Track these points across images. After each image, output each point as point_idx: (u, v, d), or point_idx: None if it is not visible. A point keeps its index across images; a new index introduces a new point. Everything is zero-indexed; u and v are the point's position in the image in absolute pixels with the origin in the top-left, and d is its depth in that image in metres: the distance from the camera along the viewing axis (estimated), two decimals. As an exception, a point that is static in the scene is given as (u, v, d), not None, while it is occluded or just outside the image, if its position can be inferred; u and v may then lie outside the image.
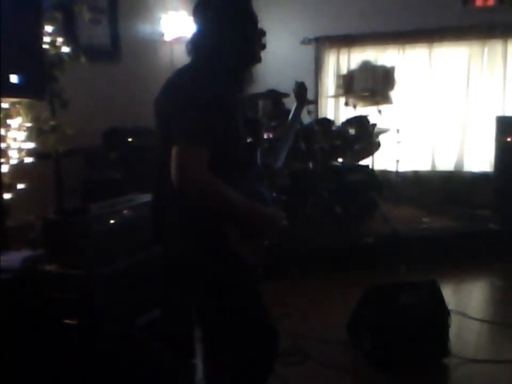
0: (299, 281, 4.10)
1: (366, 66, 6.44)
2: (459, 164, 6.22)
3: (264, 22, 6.84)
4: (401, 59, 6.38)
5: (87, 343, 2.37)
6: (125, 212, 2.69)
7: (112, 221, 2.60)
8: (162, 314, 2.75)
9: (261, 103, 5.61)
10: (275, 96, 5.30)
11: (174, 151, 1.59)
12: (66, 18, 4.07)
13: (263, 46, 1.92)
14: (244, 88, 1.92)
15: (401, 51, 6.38)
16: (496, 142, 5.45)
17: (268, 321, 1.88)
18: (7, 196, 3.28)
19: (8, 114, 3.39)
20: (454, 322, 3.02)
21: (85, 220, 2.48)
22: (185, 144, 1.59)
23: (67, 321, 2.37)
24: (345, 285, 3.95)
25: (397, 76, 6.33)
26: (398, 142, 5.66)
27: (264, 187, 1.90)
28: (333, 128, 5.33)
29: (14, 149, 3.47)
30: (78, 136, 3.82)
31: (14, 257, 2.58)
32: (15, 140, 3.47)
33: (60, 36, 3.79)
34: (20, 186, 3.44)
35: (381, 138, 5.46)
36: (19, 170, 3.47)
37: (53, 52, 3.67)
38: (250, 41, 1.84)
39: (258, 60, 1.90)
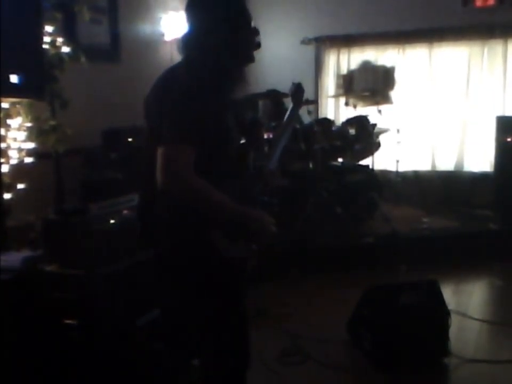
0: (299, 281, 4.10)
1: (366, 66, 6.44)
2: (459, 164, 6.21)
3: (264, 22, 6.89)
4: (401, 59, 6.37)
5: (87, 343, 2.37)
6: (125, 212, 2.69)
7: (112, 221, 2.61)
8: (162, 314, 2.75)
9: (261, 103, 5.60)
10: (275, 96, 5.30)
11: (159, 150, 1.56)
12: (66, 18, 4.06)
13: (258, 45, 1.86)
14: (237, 89, 1.86)
15: (401, 51, 6.38)
16: (496, 142, 5.46)
17: (243, 334, 1.86)
18: (7, 195, 3.28)
19: (8, 114, 3.39)
20: (454, 322, 3.02)
21: (85, 220, 2.49)
22: (171, 143, 1.56)
23: (67, 321, 2.37)
24: (345, 285, 3.95)
25: (397, 75, 6.33)
26: (398, 142, 5.66)
27: (256, 189, 1.87)
28: (333, 128, 5.33)
29: (14, 149, 3.47)
30: (78, 136, 3.82)
31: (14, 258, 2.58)
32: (15, 139, 3.47)
33: (60, 36, 3.78)
34: (20, 186, 3.44)
35: (381, 138, 5.46)
36: (19, 170, 3.47)
37: (53, 51, 3.67)
38: (243, 40, 1.79)
39: (251, 59, 1.84)
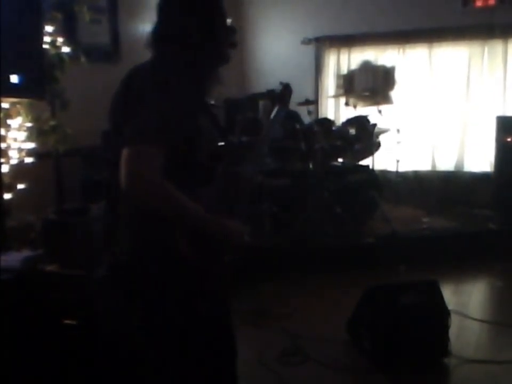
0: (299, 281, 4.10)
1: (366, 66, 6.43)
2: (459, 164, 6.21)
3: (265, 22, 6.89)
4: (402, 59, 6.37)
5: (87, 343, 2.37)
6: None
7: (112, 221, 2.60)
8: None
9: (261, 103, 5.61)
10: (275, 96, 5.29)
11: (124, 151, 1.42)
12: (67, 18, 4.06)
13: (233, 45, 1.75)
14: (211, 90, 1.73)
15: (401, 51, 6.38)
16: (496, 142, 5.45)
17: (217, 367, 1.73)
18: (7, 196, 3.28)
19: (8, 114, 3.39)
20: (454, 322, 3.02)
21: (85, 220, 2.49)
22: (137, 144, 1.42)
23: (67, 321, 2.37)
24: (345, 285, 3.95)
25: (397, 76, 6.33)
26: (398, 142, 5.65)
27: (230, 197, 1.75)
28: (333, 128, 5.33)
29: (14, 149, 3.47)
30: (78, 136, 3.82)
31: (14, 258, 2.58)
32: (15, 140, 3.47)
33: (60, 36, 3.78)
34: (20, 186, 3.44)
35: (381, 138, 5.46)
36: (19, 171, 3.47)
37: (53, 52, 3.67)
38: (217, 39, 1.68)
39: (226, 59, 1.73)
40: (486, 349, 3.14)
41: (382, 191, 5.24)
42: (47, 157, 3.81)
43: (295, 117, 5.26)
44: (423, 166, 6.31)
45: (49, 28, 3.66)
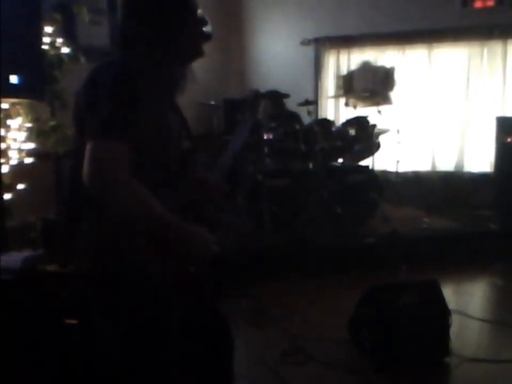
0: (299, 281, 4.10)
1: (366, 67, 6.44)
2: (459, 164, 6.22)
3: (264, 23, 6.89)
4: (401, 60, 6.38)
5: (87, 343, 2.36)
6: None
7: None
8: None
9: (260, 103, 5.61)
10: (275, 97, 5.30)
11: (88, 146, 1.34)
12: (66, 19, 4.06)
13: (207, 37, 1.66)
14: (182, 87, 1.63)
15: (401, 52, 6.39)
16: (496, 143, 5.45)
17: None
18: (7, 196, 3.28)
19: (8, 114, 3.39)
20: (455, 322, 3.01)
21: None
22: (102, 138, 1.35)
23: (67, 321, 2.37)
24: (345, 285, 3.95)
25: (397, 76, 6.34)
26: (398, 143, 5.66)
27: (198, 203, 1.66)
28: (333, 128, 5.33)
29: (14, 149, 3.47)
30: (77, 137, 3.82)
31: (14, 258, 2.58)
32: (15, 140, 3.47)
33: (59, 36, 3.79)
34: (20, 186, 3.44)
35: (381, 138, 5.46)
36: (19, 171, 3.47)
37: (52, 52, 3.67)
38: (188, 34, 1.59)
39: (199, 53, 1.65)
40: (486, 349, 3.13)
41: (382, 192, 5.24)
42: (47, 157, 3.81)
43: (293, 117, 5.26)
44: (423, 166, 6.32)
45: (48, 29, 3.67)
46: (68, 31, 4.15)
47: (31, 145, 3.56)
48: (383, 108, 5.51)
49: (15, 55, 2.94)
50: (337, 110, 6.57)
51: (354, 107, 5.51)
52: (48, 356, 2.31)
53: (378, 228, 4.90)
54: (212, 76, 6.07)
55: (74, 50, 3.85)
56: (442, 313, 2.94)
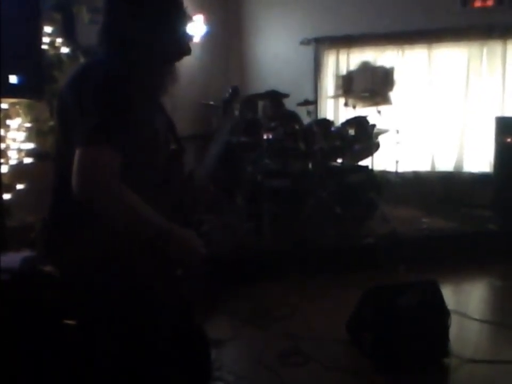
0: (299, 281, 4.10)
1: (366, 67, 6.45)
2: (458, 164, 6.22)
3: (264, 23, 6.89)
4: (401, 60, 6.39)
5: (87, 344, 2.36)
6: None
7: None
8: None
9: (260, 103, 5.61)
10: (274, 97, 5.30)
11: (78, 152, 1.31)
12: (66, 19, 4.06)
13: (189, 38, 1.63)
14: (167, 87, 1.60)
15: (400, 52, 6.39)
16: (495, 143, 5.46)
17: None
18: (6, 196, 3.27)
19: (7, 114, 3.38)
20: (454, 323, 3.01)
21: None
22: (92, 144, 1.31)
23: (67, 321, 2.37)
24: (345, 285, 3.95)
25: (396, 76, 6.34)
26: (398, 143, 5.66)
27: (184, 205, 1.64)
28: (333, 128, 5.34)
29: (13, 149, 3.46)
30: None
31: (13, 258, 2.57)
32: (14, 140, 3.47)
33: (59, 36, 3.78)
34: (20, 186, 3.43)
35: (381, 138, 5.47)
36: (19, 171, 3.46)
37: (52, 52, 3.67)
38: (175, 29, 1.56)
39: (187, 51, 1.60)
40: (486, 349, 3.13)
41: (382, 192, 5.24)
42: (47, 157, 3.80)
43: (293, 117, 5.26)
44: (423, 166, 6.32)
45: (48, 29, 3.66)
46: (67, 31, 4.15)
47: (30, 145, 3.56)
48: (382, 108, 5.52)
49: (15, 55, 2.93)
50: (336, 110, 6.57)
51: (354, 107, 5.52)
52: (48, 357, 2.30)
53: (377, 228, 4.90)
54: (212, 76, 6.07)
55: (73, 50, 3.84)
56: (441, 313, 2.93)
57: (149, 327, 1.52)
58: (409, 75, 6.36)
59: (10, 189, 3.32)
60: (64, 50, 3.77)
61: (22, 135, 3.51)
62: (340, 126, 5.47)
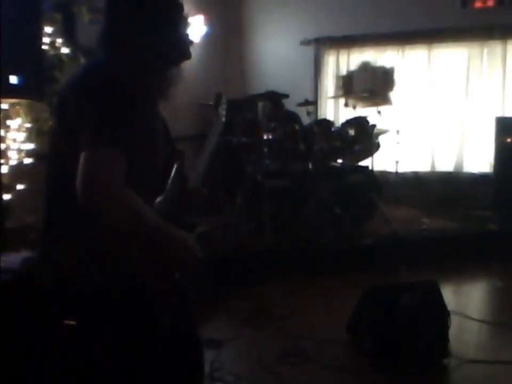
0: (299, 281, 4.10)
1: (366, 67, 6.44)
2: (459, 164, 6.22)
3: (264, 23, 6.90)
4: (401, 60, 6.38)
5: (87, 344, 2.36)
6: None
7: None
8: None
9: (260, 104, 5.61)
10: (274, 97, 5.30)
11: (82, 155, 1.31)
12: (66, 19, 4.06)
13: (190, 43, 1.61)
14: (167, 91, 1.59)
15: (400, 52, 6.39)
16: (495, 143, 5.46)
17: None
18: (6, 196, 3.27)
19: (7, 115, 3.38)
20: (454, 323, 3.01)
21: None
22: (97, 146, 1.31)
23: (67, 322, 2.37)
24: (345, 285, 3.95)
25: (397, 77, 6.34)
26: (398, 143, 5.66)
27: (179, 208, 1.64)
28: (333, 129, 5.33)
29: (13, 149, 3.46)
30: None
31: (13, 258, 2.57)
32: (14, 140, 3.46)
33: (59, 37, 3.78)
34: (20, 187, 3.43)
35: (381, 139, 5.46)
36: (19, 171, 3.46)
37: (52, 52, 3.67)
38: (176, 35, 1.56)
39: (187, 56, 1.60)
40: (485, 349, 3.13)
41: (382, 192, 5.24)
42: (47, 158, 3.81)
43: (293, 117, 5.27)
44: (423, 166, 6.32)
45: (48, 29, 3.66)
46: (67, 31, 4.15)
47: (30, 146, 3.56)
48: (382, 108, 5.52)
49: (15, 55, 2.94)
50: (336, 110, 6.57)
51: (354, 107, 5.52)
52: (48, 357, 2.31)
53: (377, 229, 4.90)
54: (212, 76, 6.07)
55: (74, 50, 3.84)
56: (441, 314, 2.94)
57: (147, 328, 1.52)
58: (410, 75, 6.35)
59: (10, 189, 3.32)
60: (65, 50, 3.77)
61: (22, 136, 3.51)
62: (340, 126, 5.47)
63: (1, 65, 2.70)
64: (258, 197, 4.67)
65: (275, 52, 6.72)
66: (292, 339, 3.19)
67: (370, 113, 5.47)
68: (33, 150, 3.59)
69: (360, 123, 5.27)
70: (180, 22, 1.58)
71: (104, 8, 1.57)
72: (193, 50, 1.67)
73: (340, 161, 5.37)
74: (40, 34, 3.30)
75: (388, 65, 6.39)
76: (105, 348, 1.54)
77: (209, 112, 6.08)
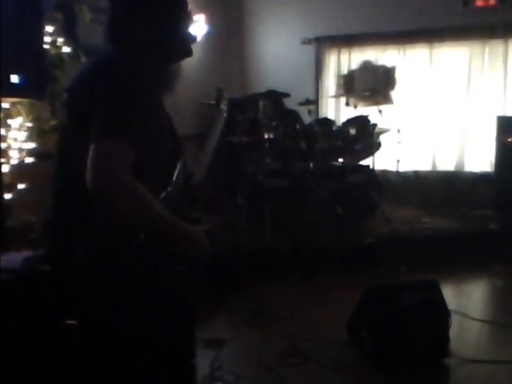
0: (299, 281, 4.10)
1: (367, 66, 6.44)
2: (460, 164, 6.22)
3: (265, 22, 6.89)
4: (402, 59, 6.38)
5: (87, 344, 2.36)
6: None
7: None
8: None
9: (261, 103, 5.61)
10: (275, 96, 5.30)
11: (92, 147, 1.32)
12: (67, 19, 4.06)
13: (193, 40, 1.65)
14: (172, 87, 1.64)
15: (401, 51, 6.39)
16: (496, 142, 5.46)
17: None
18: (7, 196, 3.27)
19: (8, 114, 3.38)
20: (454, 323, 3.01)
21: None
22: (107, 138, 1.33)
23: (67, 321, 2.37)
24: (345, 285, 3.95)
25: (398, 76, 6.33)
26: (399, 142, 5.66)
27: (185, 202, 1.66)
28: (334, 128, 5.33)
29: (14, 149, 3.46)
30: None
31: (14, 258, 2.57)
32: (15, 140, 3.47)
33: (60, 36, 3.78)
34: (21, 186, 3.43)
35: (382, 138, 5.46)
36: (20, 171, 3.46)
37: (53, 52, 3.67)
38: (180, 32, 1.59)
39: (189, 53, 1.63)
40: (486, 349, 3.13)
41: (382, 191, 5.24)
42: (48, 157, 3.80)
43: (294, 116, 5.26)
44: (424, 166, 6.32)
45: (49, 28, 3.66)
46: (69, 30, 4.15)
47: (31, 145, 3.56)
48: (383, 107, 5.52)
49: (16, 54, 2.94)
50: (337, 110, 6.57)
51: (355, 106, 5.51)
52: (48, 357, 2.31)
53: (378, 228, 4.90)
54: (212, 76, 6.06)
55: (75, 49, 3.84)
56: (442, 313, 2.94)
57: (153, 325, 1.53)
58: (411, 74, 6.35)
59: (11, 188, 3.32)
60: (66, 49, 3.77)
61: (23, 135, 3.51)
62: (341, 125, 5.47)
63: (2, 64, 2.70)
64: (259, 197, 4.67)
65: (276, 51, 6.72)
66: (292, 339, 3.19)
67: (371, 112, 5.46)
68: (34, 149, 3.59)
69: (361, 122, 5.27)
70: (184, 18, 1.61)
71: (110, 4, 1.60)
72: (194, 49, 1.68)
73: (340, 160, 5.37)
74: (41, 33, 3.30)
75: (389, 64, 6.38)
76: (108, 347, 1.56)
77: (210, 110, 6.11)
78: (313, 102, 5.72)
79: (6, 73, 2.83)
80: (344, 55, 6.60)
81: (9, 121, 3.41)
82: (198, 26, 5.59)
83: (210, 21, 5.81)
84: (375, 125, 5.28)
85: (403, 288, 2.99)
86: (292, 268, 4.16)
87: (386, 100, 6.02)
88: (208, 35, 5.78)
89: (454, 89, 6.22)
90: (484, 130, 6.02)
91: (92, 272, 1.46)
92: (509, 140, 5.30)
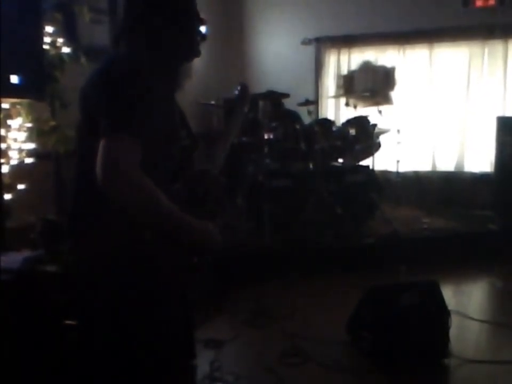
0: (299, 281, 4.10)
1: (367, 67, 6.44)
2: (459, 164, 6.22)
3: (265, 23, 6.89)
4: (402, 59, 6.38)
5: (87, 344, 2.36)
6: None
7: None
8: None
9: (261, 103, 5.60)
10: (275, 97, 5.30)
11: (101, 143, 1.34)
12: (67, 19, 4.06)
13: (203, 37, 1.67)
14: (181, 85, 1.66)
15: (401, 51, 6.39)
16: (496, 143, 5.46)
17: None
18: (7, 196, 3.27)
19: (8, 114, 3.38)
20: (454, 323, 3.01)
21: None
22: (114, 134, 1.35)
23: (67, 321, 2.37)
24: (345, 285, 3.95)
25: (397, 76, 6.34)
26: (399, 143, 5.66)
27: (199, 196, 1.67)
28: (333, 128, 5.33)
29: (14, 149, 3.46)
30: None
31: (14, 258, 2.58)
32: (15, 140, 3.47)
33: (60, 36, 3.78)
34: (20, 186, 3.43)
35: (381, 138, 5.46)
36: (19, 171, 3.47)
37: (53, 52, 3.67)
38: (188, 32, 1.61)
39: (197, 53, 1.65)
40: (486, 349, 3.14)
41: (382, 192, 5.24)
42: (47, 158, 3.81)
43: (294, 117, 5.26)
44: (424, 166, 6.32)
45: (49, 29, 3.66)
46: (68, 31, 4.15)
47: (31, 145, 3.56)
48: (383, 107, 5.51)
49: (16, 55, 2.94)
50: (337, 110, 6.57)
51: (355, 107, 5.51)
52: (48, 357, 2.31)
53: (378, 228, 4.90)
54: (212, 76, 6.07)
55: (75, 50, 3.84)
56: (442, 314, 2.94)
57: (154, 325, 1.53)
58: (410, 75, 6.35)
59: (11, 189, 3.32)
60: (66, 50, 3.77)
61: (23, 135, 3.52)
62: (340, 125, 5.46)
63: (2, 65, 2.70)
64: (259, 197, 4.67)
65: (276, 51, 6.73)
66: (292, 339, 3.19)
67: (371, 112, 5.46)
68: (33, 149, 3.59)
69: (361, 122, 5.27)
70: (195, 19, 1.63)
71: (125, 3, 1.62)
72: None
73: (340, 160, 5.37)
74: (41, 33, 3.30)
75: (388, 64, 6.39)
76: (110, 345, 1.56)
77: (209, 111, 6.09)
78: (313, 102, 5.72)
79: (5, 73, 2.84)
80: (344, 56, 6.61)
81: (9, 121, 3.41)
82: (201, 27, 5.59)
83: (209, 21, 5.81)
84: (375, 125, 5.28)
85: (403, 288, 2.99)
86: (291, 268, 4.16)
87: (386, 100, 6.02)
88: (208, 35, 5.78)
89: (454, 89, 6.22)
90: (484, 130, 6.03)
91: (97, 271, 1.49)
92: (509, 140, 5.30)
